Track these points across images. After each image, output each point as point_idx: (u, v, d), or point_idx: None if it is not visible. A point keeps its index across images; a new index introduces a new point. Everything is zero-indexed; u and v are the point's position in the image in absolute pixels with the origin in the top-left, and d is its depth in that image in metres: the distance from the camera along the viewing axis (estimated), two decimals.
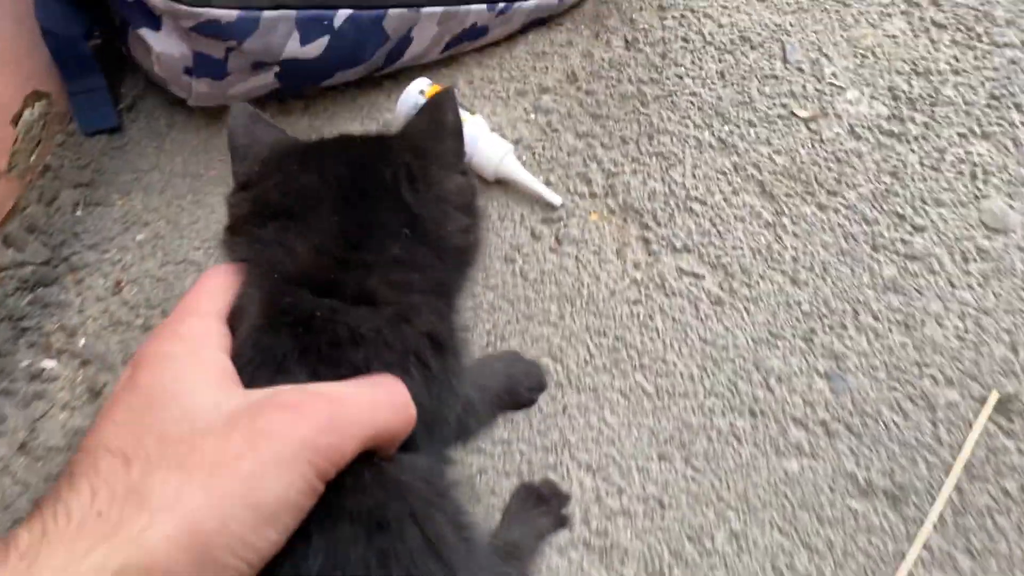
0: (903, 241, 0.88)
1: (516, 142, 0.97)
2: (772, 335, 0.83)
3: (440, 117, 0.49)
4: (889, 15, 0.99)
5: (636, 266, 0.89)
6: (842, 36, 0.98)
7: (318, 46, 0.90)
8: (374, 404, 0.36)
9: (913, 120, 0.93)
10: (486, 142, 0.91)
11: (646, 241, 0.90)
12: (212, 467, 0.30)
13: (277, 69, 0.91)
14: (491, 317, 0.87)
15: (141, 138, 1.01)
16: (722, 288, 0.87)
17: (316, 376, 0.37)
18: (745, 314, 0.86)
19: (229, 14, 0.84)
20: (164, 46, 0.88)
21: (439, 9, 0.94)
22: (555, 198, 0.92)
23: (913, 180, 0.90)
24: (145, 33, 0.88)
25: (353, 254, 0.41)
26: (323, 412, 0.33)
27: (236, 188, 0.47)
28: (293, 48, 0.89)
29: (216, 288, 0.40)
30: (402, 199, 0.44)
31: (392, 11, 0.92)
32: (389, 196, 0.43)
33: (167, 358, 0.35)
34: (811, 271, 0.87)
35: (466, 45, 1.01)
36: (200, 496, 0.29)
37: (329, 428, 0.33)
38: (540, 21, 1.04)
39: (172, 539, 0.29)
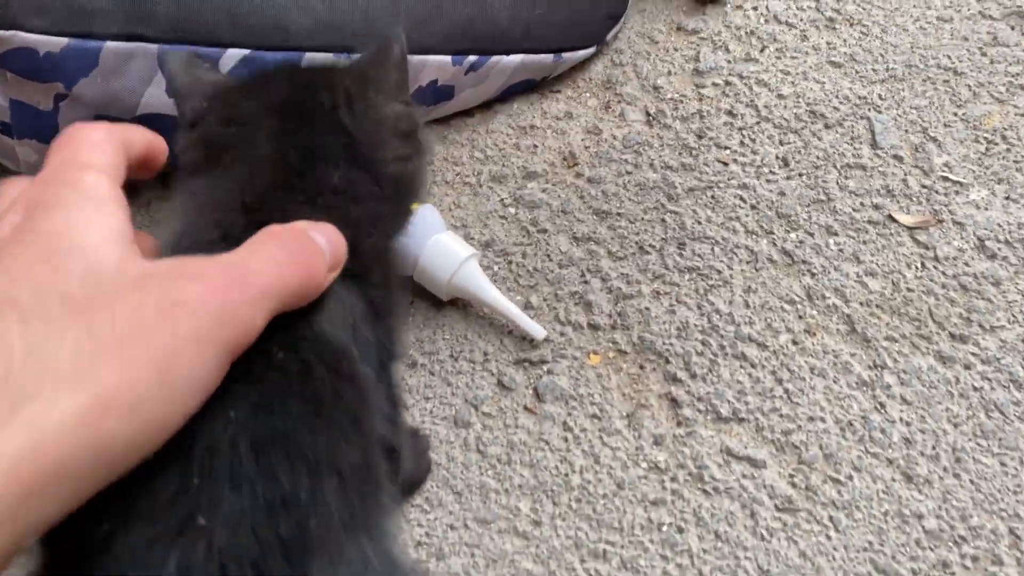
0: None
1: (486, 246, 0.67)
2: (879, 570, 0.51)
3: (385, 49, 0.47)
4: (1022, 87, 0.69)
5: (658, 442, 0.57)
6: (956, 114, 0.69)
7: None
8: (279, 266, 0.32)
9: None
10: (439, 244, 0.61)
11: (674, 402, 0.58)
12: (126, 338, 0.27)
13: None
14: (424, 516, 0.55)
15: None
16: (794, 484, 0.55)
17: None
18: (832, 530, 0.53)
19: (51, 42, 0.57)
20: None
21: None
22: (537, 329, 0.61)
23: None
24: None
25: (295, 180, 0.40)
26: (234, 282, 0.30)
27: (183, 129, 0.44)
28: (156, 98, 0.61)
29: (101, 142, 0.33)
30: (340, 122, 0.43)
31: (311, 55, 0.64)
32: (328, 119, 0.44)
33: (68, 207, 0.30)
34: (935, 462, 0.55)
35: (428, 111, 0.72)
36: (114, 370, 0.26)
37: (240, 300, 0.30)
38: (528, 84, 0.75)
39: (79, 419, 0.25)
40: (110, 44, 0.58)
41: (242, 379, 0.31)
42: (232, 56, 0.62)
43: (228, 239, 0.36)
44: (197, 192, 0.41)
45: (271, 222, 0.35)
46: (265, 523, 0.30)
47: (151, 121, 0.62)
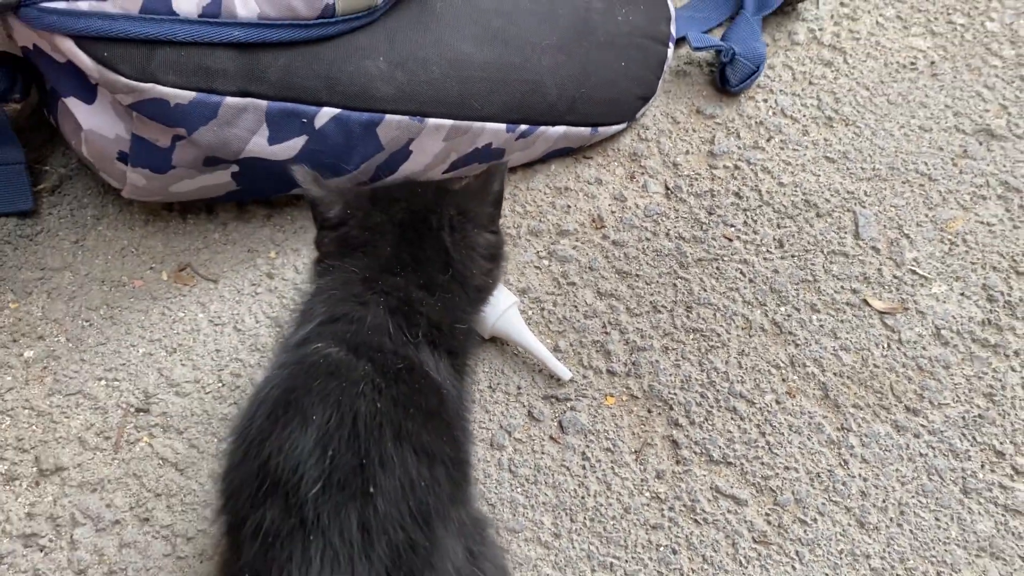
0: (1002, 487, 0.68)
1: (522, 293, 0.78)
2: None
3: (487, 185, 0.63)
4: (983, 197, 0.82)
5: (660, 476, 0.69)
6: (927, 216, 0.81)
7: (291, 147, 0.72)
8: None
9: (1014, 330, 0.75)
10: None
11: (675, 444, 0.70)
12: None
13: (235, 169, 0.72)
14: None
15: (59, 228, 0.81)
16: (769, 521, 0.67)
17: None
18: (797, 562, 0.65)
19: (181, 95, 0.66)
20: (95, 123, 0.70)
21: (448, 122, 0.77)
22: (563, 371, 0.72)
23: (1014, 407, 0.71)
24: (74, 104, 0.69)
25: (408, 275, 0.58)
26: None
27: (325, 228, 0.62)
28: (258, 145, 0.71)
29: None
30: (443, 243, 0.60)
31: (391, 117, 0.74)
32: (434, 239, 0.60)
33: None
34: (884, 512, 0.67)
35: (476, 168, 0.83)
36: None
37: None
38: (566, 151, 0.86)
39: None
40: (229, 99, 0.68)
41: (380, 386, 0.49)
42: (326, 114, 0.72)
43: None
44: (335, 270, 0.59)
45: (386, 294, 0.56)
46: (403, 496, 0.46)
47: (252, 163, 0.72)
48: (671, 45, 0.89)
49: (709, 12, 0.94)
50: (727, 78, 0.89)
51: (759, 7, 0.92)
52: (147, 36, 0.65)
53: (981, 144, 0.86)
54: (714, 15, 0.94)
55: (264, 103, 0.70)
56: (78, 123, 0.70)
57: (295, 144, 0.72)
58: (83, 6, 0.64)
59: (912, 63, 0.92)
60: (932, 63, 0.92)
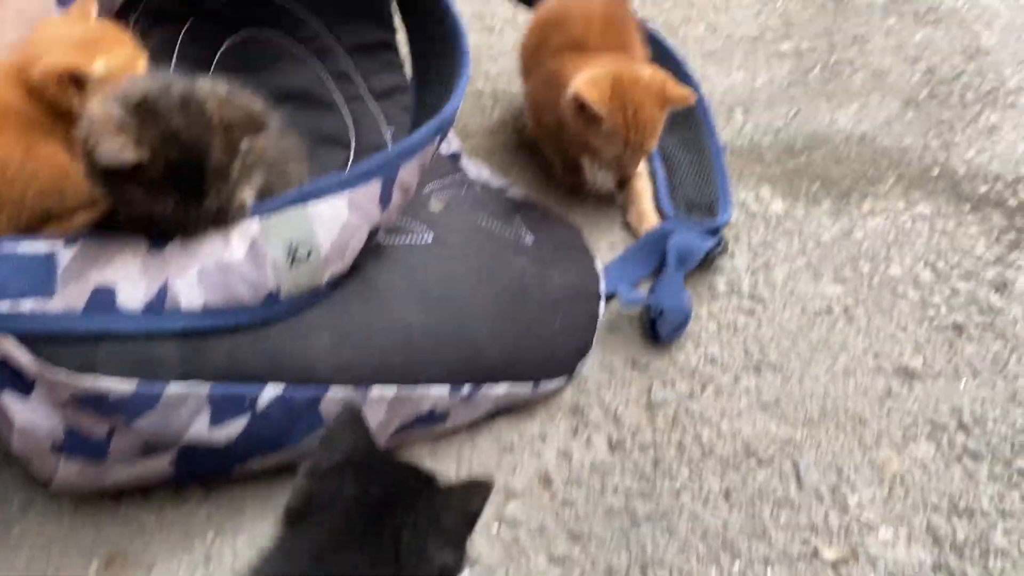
0: None
1: (473, 563, 0.75)
2: None
3: (468, 502, 0.58)
4: (913, 437, 0.85)
5: None
6: (864, 459, 0.84)
7: (233, 429, 0.72)
8: None
9: (965, 574, 0.75)
10: None
11: None
12: None
13: (179, 457, 0.71)
14: None
15: None
16: None
17: None
18: None
19: (122, 386, 0.66)
20: (30, 417, 0.69)
21: (391, 390, 0.77)
22: None
23: None
24: (8, 399, 0.68)
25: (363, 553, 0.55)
26: None
27: (308, 467, 0.58)
28: (198, 430, 0.71)
29: None
30: (398, 541, 0.55)
31: (334, 390, 0.75)
32: (391, 533, 0.56)
33: None
34: None
35: (419, 431, 0.83)
36: None
37: None
38: (510, 408, 0.87)
39: None
40: (171, 386, 0.68)
41: None
42: (269, 392, 0.72)
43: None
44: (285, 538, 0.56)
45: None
46: None
47: (191, 450, 0.71)
48: (602, 301, 0.94)
49: (634, 268, 1.00)
50: (657, 331, 0.93)
51: (680, 264, 0.98)
52: (91, 332, 0.66)
53: (903, 384, 0.91)
54: (639, 270, 1.00)
55: (207, 386, 0.70)
56: (10, 418, 0.69)
57: (236, 426, 0.72)
58: (27, 307, 0.65)
59: (828, 309, 0.98)
60: (846, 308, 0.98)
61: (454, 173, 1.09)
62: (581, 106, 0.97)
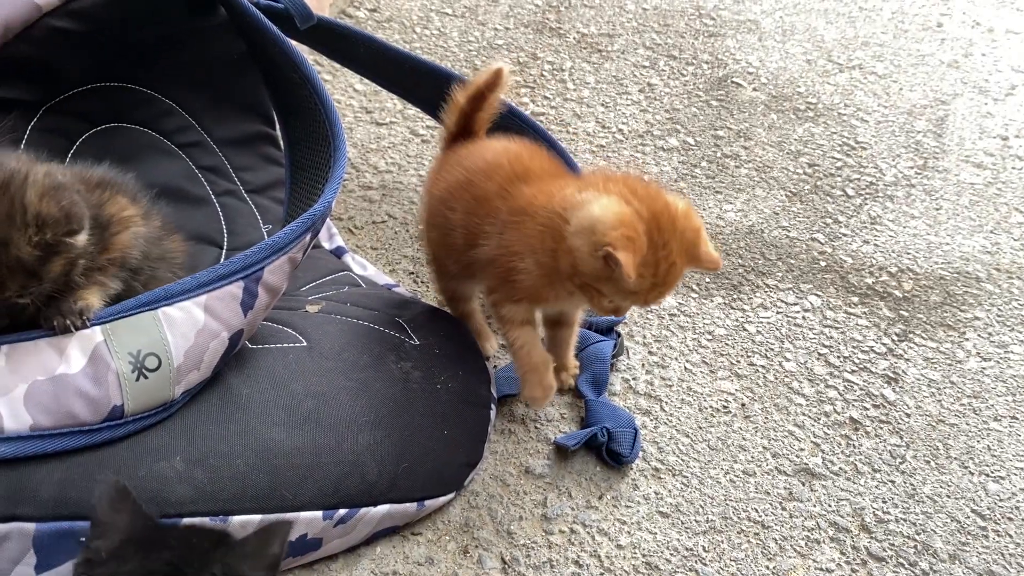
0: None
1: None
2: None
3: (265, 546, 0.56)
4: (817, 542, 0.82)
5: None
6: (768, 567, 0.80)
7: (65, 571, 0.62)
8: None
9: None
10: None
11: None
12: None
13: None
14: None
15: None
16: None
17: None
18: None
19: None
20: None
21: (255, 517, 0.71)
22: None
23: None
24: None
25: None
26: None
27: (82, 559, 0.54)
28: None
29: None
30: None
31: (189, 521, 0.66)
32: None
33: None
34: None
35: (292, 561, 0.75)
36: None
37: None
38: (392, 530, 0.80)
39: None
40: None
41: None
42: None
43: None
44: None
45: None
46: None
47: None
48: (493, 407, 0.89)
49: None
50: (618, 454, 0.88)
51: (598, 390, 0.94)
52: None
53: (804, 484, 0.88)
54: None
55: (32, 526, 0.61)
56: None
57: (67, 569, 0.62)
58: None
59: (724, 406, 0.96)
60: (743, 405, 0.96)
61: (336, 270, 1.04)
62: (607, 257, 0.72)
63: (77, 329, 0.64)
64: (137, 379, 0.66)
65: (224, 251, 1.00)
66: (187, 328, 0.68)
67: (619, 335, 1.00)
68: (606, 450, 0.88)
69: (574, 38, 1.70)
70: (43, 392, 0.62)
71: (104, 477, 0.63)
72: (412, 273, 1.12)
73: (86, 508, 0.63)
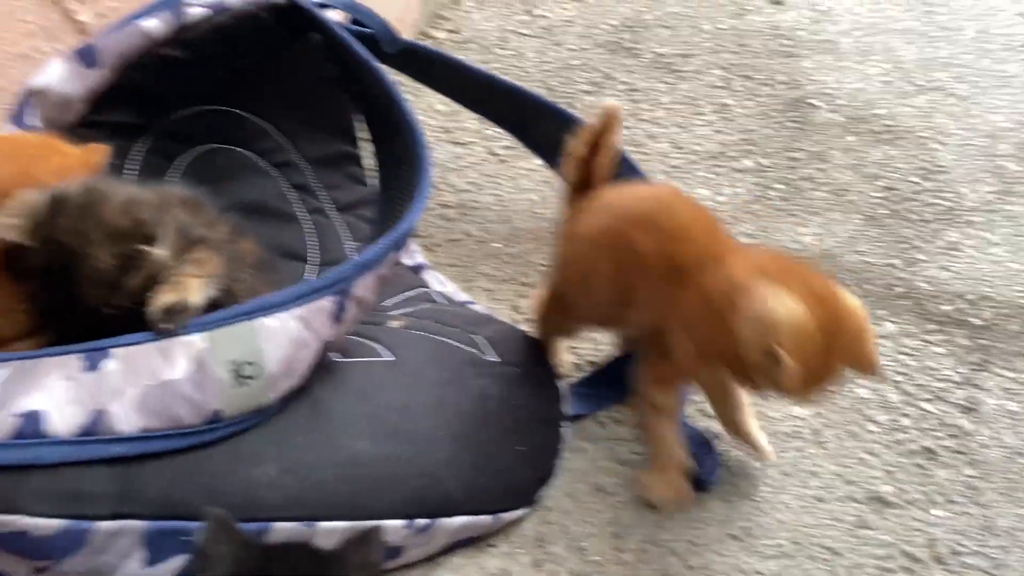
0: None
1: None
2: None
3: (369, 557, 0.61)
4: (889, 571, 0.83)
5: None
6: None
7: (169, 568, 0.67)
8: None
9: None
10: None
11: None
12: None
13: None
14: None
15: None
16: None
17: None
18: None
19: (46, 525, 0.62)
20: None
21: (341, 524, 0.74)
22: None
23: None
24: None
25: None
26: None
27: None
28: (132, 571, 0.66)
29: None
30: None
31: (279, 525, 0.72)
32: None
33: None
34: None
35: None
36: None
37: None
38: (468, 541, 0.83)
39: None
40: (101, 524, 0.64)
41: None
42: None
43: None
44: None
45: None
46: None
47: None
48: (568, 425, 0.91)
49: (601, 391, 0.98)
50: (702, 480, 0.89)
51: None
52: (16, 463, 0.62)
53: (876, 513, 0.88)
54: (610, 394, 0.98)
55: (140, 524, 0.66)
56: None
57: (174, 565, 0.67)
58: None
59: (796, 432, 0.96)
60: (815, 431, 0.96)
61: (415, 286, 1.08)
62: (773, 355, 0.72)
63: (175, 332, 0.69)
64: (236, 385, 0.70)
65: (312, 266, 1.05)
66: (282, 338, 0.73)
67: None
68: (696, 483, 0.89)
69: (649, 58, 1.72)
70: (153, 396, 0.67)
71: (204, 481, 0.68)
72: (488, 290, 1.15)
73: (190, 509, 0.67)
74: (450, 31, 1.79)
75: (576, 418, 0.95)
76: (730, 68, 1.69)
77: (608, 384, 0.98)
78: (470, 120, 1.46)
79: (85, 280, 0.67)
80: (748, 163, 1.42)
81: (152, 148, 0.94)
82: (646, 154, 1.42)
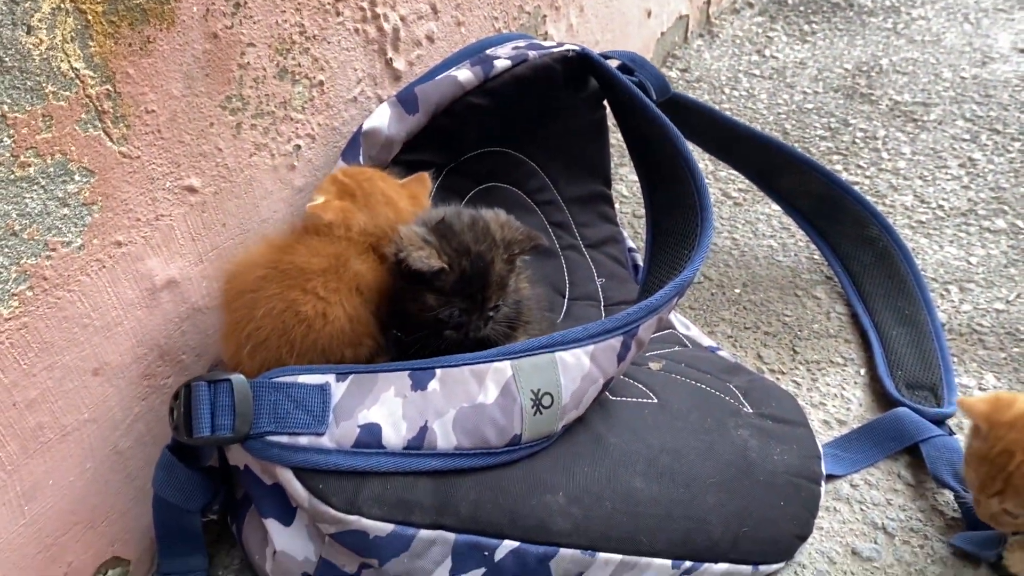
0: None
1: None
2: None
3: None
4: None
5: None
6: None
7: None
8: None
9: None
10: None
11: None
12: None
13: None
14: None
15: None
16: None
17: None
18: None
19: (380, 527, 0.70)
20: (288, 545, 0.73)
21: (617, 557, 0.78)
22: None
23: None
24: (272, 525, 0.73)
25: None
26: None
27: None
28: None
29: None
30: None
31: (564, 551, 0.76)
32: None
33: None
34: None
35: None
36: None
37: None
38: None
39: None
40: (422, 532, 0.71)
41: None
42: (506, 547, 0.74)
43: None
44: None
45: None
46: None
47: None
48: (823, 484, 0.92)
49: (860, 453, 0.98)
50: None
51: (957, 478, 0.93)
52: (357, 468, 0.71)
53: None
54: (866, 457, 0.98)
55: (452, 536, 0.73)
56: (272, 542, 0.74)
57: None
58: (303, 441, 0.70)
59: None
60: None
61: (664, 330, 1.12)
62: None
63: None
64: (534, 414, 0.76)
65: (567, 300, 1.11)
66: (576, 372, 0.78)
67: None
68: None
69: (886, 105, 1.69)
70: (467, 418, 0.74)
71: (506, 503, 0.75)
72: (730, 337, 1.17)
73: (491, 527, 0.74)
74: (681, 70, 1.83)
75: (830, 478, 0.96)
76: (976, 120, 1.63)
77: (869, 448, 0.98)
78: (702, 161, 1.49)
79: (492, 284, 0.79)
80: (1001, 223, 1.37)
81: (447, 185, 1.03)
82: (890, 207, 1.40)
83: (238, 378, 0.71)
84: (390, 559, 0.71)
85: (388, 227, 0.78)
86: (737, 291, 1.25)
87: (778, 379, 1.09)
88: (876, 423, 1.00)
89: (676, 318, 1.16)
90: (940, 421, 1.01)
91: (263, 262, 0.76)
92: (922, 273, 1.21)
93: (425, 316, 0.78)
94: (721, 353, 1.09)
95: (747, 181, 1.35)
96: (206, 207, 0.82)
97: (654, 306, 0.84)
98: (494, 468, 0.76)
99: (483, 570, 0.74)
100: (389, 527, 0.70)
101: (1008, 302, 1.21)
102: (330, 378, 0.74)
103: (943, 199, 1.43)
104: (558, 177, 1.16)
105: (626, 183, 1.52)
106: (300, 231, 0.78)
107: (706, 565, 0.83)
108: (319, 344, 0.73)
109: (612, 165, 1.23)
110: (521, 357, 0.77)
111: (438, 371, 0.75)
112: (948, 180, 1.48)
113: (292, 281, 0.74)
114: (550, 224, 1.16)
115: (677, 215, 0.97)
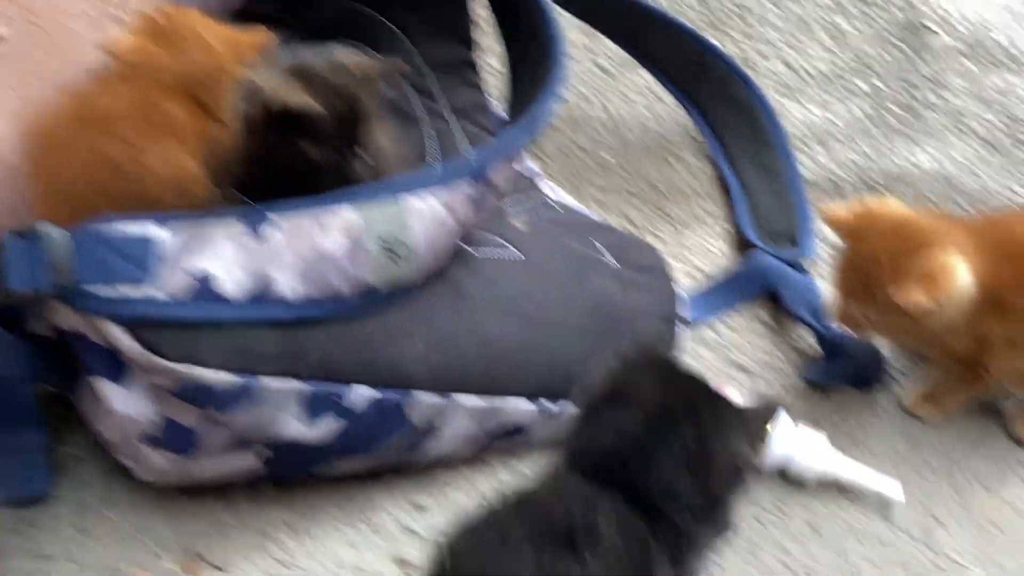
0: None
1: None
2: None
3: (754, 441, 0.61)
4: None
5: None
6: (955, 502, 0.82)
7: (325, 427, 0.73)
8: None
9: None
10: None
11: None
12: None
13: (270, 454, 0.72)
14: None
15: (62, 515, 0.77)
16: None
17: None
18: None
19: (220, 377, 0.67)
20: (125, 405, 0.70)
21: (474, 398, 0.79)
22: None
23: None
24: (105, 385, 0.69)
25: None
26: None
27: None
28: (292, 427, 0.71)
29: None
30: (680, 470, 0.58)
31: (421, 395, 0.76)
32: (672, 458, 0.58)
33: None
34: None
35: (504, 444, 0.84)
36: None
37: None
38: None
39: None
40: (267, 380, 0.69)
41: None
42: (360, 393, 0.73)
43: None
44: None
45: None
46: None
47: (286, 448, 0.72)
48: (686, 327, 0.94)
49: (722, 300, 1.02)
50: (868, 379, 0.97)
51: (815, 316, 0.98)
52: (194, 320, 0.67)
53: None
54: (727, 303, 1.01)
55: (301, 384, 0.71)
56: (107, 404, 0.70)
57: (329, 424, 0.72)
58: (131, 293, 0.66)
59: None
60: None
61: (526, 189, 1.11)
62: None
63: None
64: (387, 262, 0.74)
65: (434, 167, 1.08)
66: (429, 219, 0.76)
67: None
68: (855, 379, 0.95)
69: None
70: (312, 268, 0.71)
71: (359, 351, 0.73)
72: (599, 201, 1.17)
73: (343, 375, 0.72)
74: None
75: (693, 325, 0.97)
76: None
77: (730, 295, 1.01)
78: (574, 32, 1.46)
79: (363, 122, 0.78)
80: (863, 85, 1.40)
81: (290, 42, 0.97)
82: (761, 75, 1.41)
83: (54, 229, 0.66)
84: (234, 410, 0.68)
85: (203, 73, 0.72)
86: (608, 157, 1.25)
87: (643, 236, 1.09)
88: (737, 270, 1.03)
89: (544, 184, 1.15)
90: (799, 265, 1.04)
91: (68, 114, 0.71)
92: (787, 131, 1.22)
93: (296, 162, 0.76)
94: (589, 214, 1.09)
95: (619, 51, 1.34)
96: (15, 57, 0.74)
97: (502, 147, 0.83)
98: (349, 320, 0.74)
99: (338, 419, 0.73)
100: (230, 377, 0.67)
101: (866, 157, 1.25)
102: (152, 226, 0.69)
103: (810, 65, 1.45)
104: (419, 40, 1.11)
105: (496, 55, 1.48)
106: (105, 78, 0.73)
107: (568, 406, 0.84)
108: (136, 192, 0.69)
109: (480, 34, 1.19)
110: (367, 205, 0.75)
111: (282, 222, 0.72)
112: (815, 46, 1.49)
113: (100, 129, 0.69)
114: (414, 90, 1.12)
115: (531, 63, 0.95)
